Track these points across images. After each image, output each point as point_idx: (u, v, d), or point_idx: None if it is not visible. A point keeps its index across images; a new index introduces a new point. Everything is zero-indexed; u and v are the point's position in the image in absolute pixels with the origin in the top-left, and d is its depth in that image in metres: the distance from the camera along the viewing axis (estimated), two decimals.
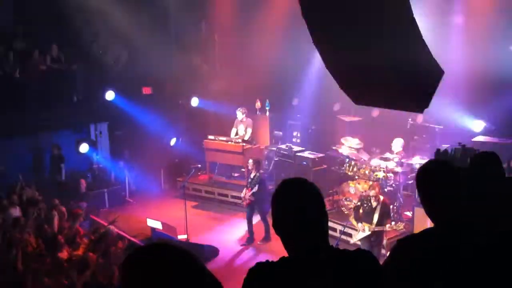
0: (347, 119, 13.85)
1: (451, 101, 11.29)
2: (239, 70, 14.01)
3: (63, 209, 9.90)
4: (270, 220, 10.88)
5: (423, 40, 4.36)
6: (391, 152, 11.59)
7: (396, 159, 11.28)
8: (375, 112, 13.46)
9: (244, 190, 11.34)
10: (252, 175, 11.35)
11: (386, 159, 11.36)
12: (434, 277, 2.57)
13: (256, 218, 11.35)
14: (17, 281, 6.82)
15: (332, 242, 2.48)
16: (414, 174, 10.62)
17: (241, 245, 11.09)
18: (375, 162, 11.46)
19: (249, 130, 13.45)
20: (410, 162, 11.40)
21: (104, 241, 8.94)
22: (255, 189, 11.03)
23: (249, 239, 11.18)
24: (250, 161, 11.46)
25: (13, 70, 12.70)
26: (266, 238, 11.08)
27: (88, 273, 7.24)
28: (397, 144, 11.56)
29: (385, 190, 11.02)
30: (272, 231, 10.96)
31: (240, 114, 13.47)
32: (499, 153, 4.02)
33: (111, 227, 9.77)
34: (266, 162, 14.08)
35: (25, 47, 13.22)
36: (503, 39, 11.86)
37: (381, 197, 9.14)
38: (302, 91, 14.90)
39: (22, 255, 7.49)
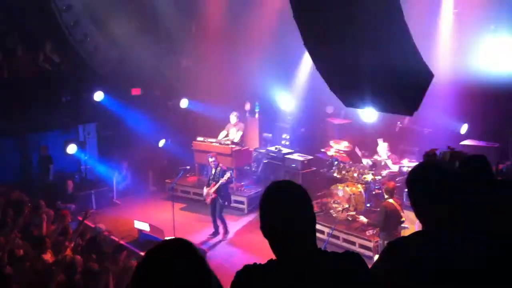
0: (336, 121, 13.87)
1: (440, 104, 11.33)
2: (229, 72, 13.98)
3: (51, 212, 9.80)
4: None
5: (413, 43, 4.37)
6: (378, 156, 11.63)
7: (390, 162, 11.34)
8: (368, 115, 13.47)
9: (205, 188, 11.60)
10: (213, 171, 11.58)
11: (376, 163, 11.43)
12: (423, 279, 2.56)
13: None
14: (5, 285, 6.72)
15: (320, 245, 2.46)
16: (402, 177, 10.67)
17: (208, 237, 11.44)
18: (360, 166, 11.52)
19: (240, 133, 13.47)
20: (398, 165, 11.43)
21: (94, 243, 8.87)
22: (222, 181, 11.30)
23: (215, 233, 11.54)
24: (212, 158, 11.63)
25: (1, 70, 12.59)
26: (227, 232, 11.51)
27: (75, 276, 7.15)
28: (382, 148, 11.57)
29: (373, 193, 11.06)
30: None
31: (234, 119, 13.50)
32: (487, 156, 4.03)
33: (100, 225, 9.70)
34: (255, 164, 14.07)
35: (14, 47, 13.10)
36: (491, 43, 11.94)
37: (388, 201, 8.94)
38: (294, 94, 14.87)
39: (10, 258, 7.40)
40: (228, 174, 11.36)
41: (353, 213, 10.20)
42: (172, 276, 1.89)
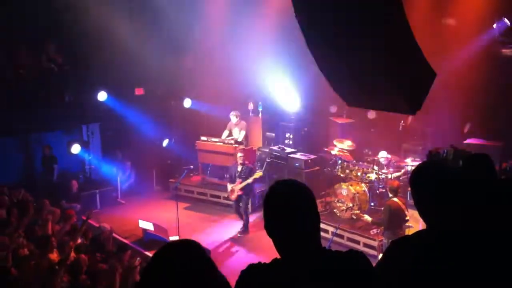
0: (339, 121, 13.87)
1: (443, 102, 11.32)
2: (232, 72, 13.99)
3: (58, 211, 9.83)
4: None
5: (416, 42, 4.38)
6: (380, 163, 11.45)
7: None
8: (372, 114, 13.44)
9: (230, 185, 11.66)
10: (239, 168, 11.58)
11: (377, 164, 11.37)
12: (426, 278, 2.57)
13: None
14: (10, 285, 6.74)
15: (324, 244, 2.47)
16: (406, 176, 10.66)
17: (238, 235, 11.48)
18: (364, 165, 11.48)
19: (243, 133, 13.49)
20: (402, 164, 11.41)
21: (99, 243, 8.90)
22: (249, 181, 11.40)
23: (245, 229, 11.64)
24: (240, 154, 11.66)
25: (4, 71, 12.62)
26: (245, 231, 11.53)
27: (81, 276, 7.17)
28: (382, 156, 11.49)
29: (377, 191, 11.05)
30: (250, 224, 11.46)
31: (234, 118, 13.51)
32: (491, 155, 4.03)
33: (104, 225, 9.74)
34: (259, 164, 14.08)
35: (17, 47, 13.13)
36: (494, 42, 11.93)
37: (393, 199, 8.94)
38: (297, 93, 14.87)
39: (15, 259, 7.42)
40: (259, 173, 11.54)
41: (358, 211, 10.21)
42: (179, 276, 1.91)
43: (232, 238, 11.42)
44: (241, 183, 11.44)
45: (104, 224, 9.90)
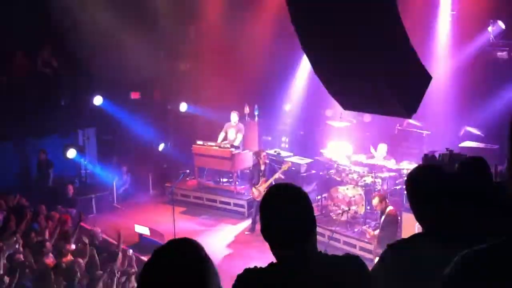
0: (335, 124, 13.87)
1: (439, 106, 11.35)
2: (228, 76, 13.99)
3: (56, 215, 9.81)
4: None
5: (411, 46, 4.39)
6: (376, 158, 11.54)
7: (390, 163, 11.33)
8: (367, 117, 13.45)
9: (255, 188, 11.71)
10: (262, 167, 11.81)
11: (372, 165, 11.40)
12: (422, 281, 2.57)
13: None
14: None
15: (321, 248, 2.47)
16: (402, 179, 10.68)
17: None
18: (359, 168, 11.49)
19: (240, 136, 13.45)
20: (398, 167, 11.42)
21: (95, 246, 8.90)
22: (277, 174, 11.77)
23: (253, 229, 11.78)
24: (264, 153, 12.00)
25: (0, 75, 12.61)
26: (252, 229, 11.69)
27: (76, 279, 7.16)
28: (381, 150, 11.54)
29: (372, 195, 11.05)
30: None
31: (235, 116, 13.44)
32: (486, 158, 4.04)
33: (96, 229, 9.73)
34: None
35: (12, 51, 13.11)
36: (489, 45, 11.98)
37: (388, 208, 9.00)
38: (293, 97, 14.91)
39: (11, 263, 7.40)
40: (288, 163, 11.81)
41: (365, 227, 10.32)
42: (178, 274, 1.91)
43: (228, 242, 11.40)
44: (266, 181, 11.58)
45: (96, 228, 9.90)
